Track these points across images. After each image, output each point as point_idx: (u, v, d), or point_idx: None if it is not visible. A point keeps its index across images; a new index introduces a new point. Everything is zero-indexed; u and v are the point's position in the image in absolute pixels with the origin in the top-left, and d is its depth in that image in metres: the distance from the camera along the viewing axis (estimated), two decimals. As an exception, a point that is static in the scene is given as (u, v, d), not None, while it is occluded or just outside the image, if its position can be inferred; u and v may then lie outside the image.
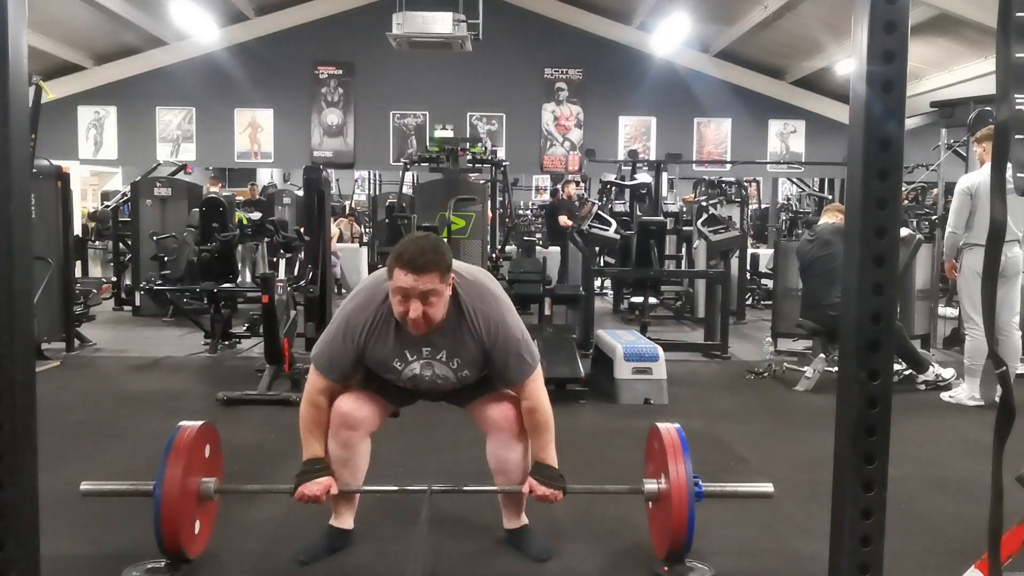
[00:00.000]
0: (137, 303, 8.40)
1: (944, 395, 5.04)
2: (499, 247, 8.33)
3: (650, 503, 2.54)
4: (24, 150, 1.50)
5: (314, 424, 2.41)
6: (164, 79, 11.87)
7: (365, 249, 11.58)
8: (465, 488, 2.54)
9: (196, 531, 2.40)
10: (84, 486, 2.40)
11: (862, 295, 1.47)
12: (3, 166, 1.44)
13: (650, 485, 2.44)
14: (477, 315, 2.31)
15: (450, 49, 8.42)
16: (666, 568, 2.48)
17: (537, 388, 2.40)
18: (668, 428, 2.47)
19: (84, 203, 13.19)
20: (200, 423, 2.43)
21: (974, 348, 4.82)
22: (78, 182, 12.05)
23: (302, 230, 6.14)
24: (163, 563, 2.46)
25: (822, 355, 5.31)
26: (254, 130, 12.03)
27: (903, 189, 8.84)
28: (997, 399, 1.45)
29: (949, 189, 7.91)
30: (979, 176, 4.76)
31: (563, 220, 9.42)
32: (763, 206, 14.21)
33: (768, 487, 2.47)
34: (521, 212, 17.44)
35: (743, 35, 10.97)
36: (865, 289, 1.47)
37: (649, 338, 5.66)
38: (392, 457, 3.40)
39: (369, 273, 10.44)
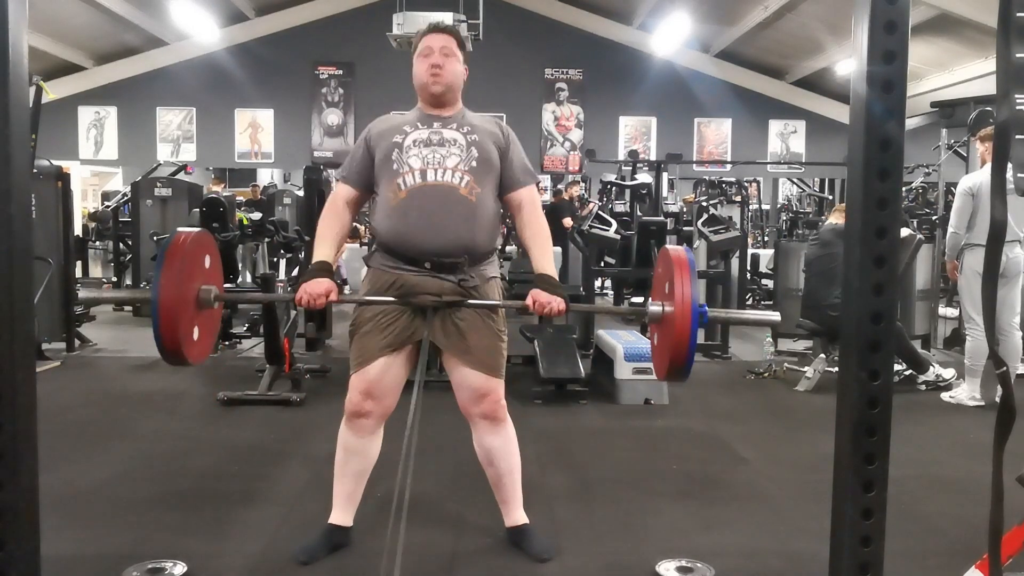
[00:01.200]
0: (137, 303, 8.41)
1: (945, 395, 5.04)
2: (499, 247, 8.32)
3: (655, 329, 2.39)
4: (24, 150, 1.50)
5: (328, 227, 2.46)
6: (164, 79, 11.87)
7: (366, 249, 11.58)
8: (470, 301, 2.39)
9: (195, 336, 2.25)
10: (82, 293, 2.34)
11: (862, 295, 1.47)
12: (3, 166, 1.44)
13: (654, 307, 2.30)
14: (487, 117, 2.57)
15: (450, 49, 8.41)
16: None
17: (535, 199, 2.53)
18: (677, 249, 2.31)
19: (84, 203, 13.18)
20: (197, 229, 2.33)
21: (975, 348, 4.82)
22: (78, 182, 12.04)
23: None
24: (163, 563, 2.46)
25: (822, 355, 5.31)
26: (254, 130, 12.04)
27: (909, 188, 8.85)
28: (997, 399, 1.45)
29: (950, 189, 7.93)
30: (981, 176, 4.76)
31: (567, 222, 9.43)
32: (763, 207, 14.20)
33: (775, 315, 2.40)
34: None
35: (743, 35, 10.98)
36: (865, 289, 1.47)
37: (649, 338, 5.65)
38: (394, 457, 3.40)
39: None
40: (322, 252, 2.41)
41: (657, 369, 2.41)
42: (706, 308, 2.20)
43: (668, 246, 2.39)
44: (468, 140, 2.41)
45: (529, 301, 2.33)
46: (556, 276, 2.42)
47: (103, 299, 2.32)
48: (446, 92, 2.44)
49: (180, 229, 2.28)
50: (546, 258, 2.43)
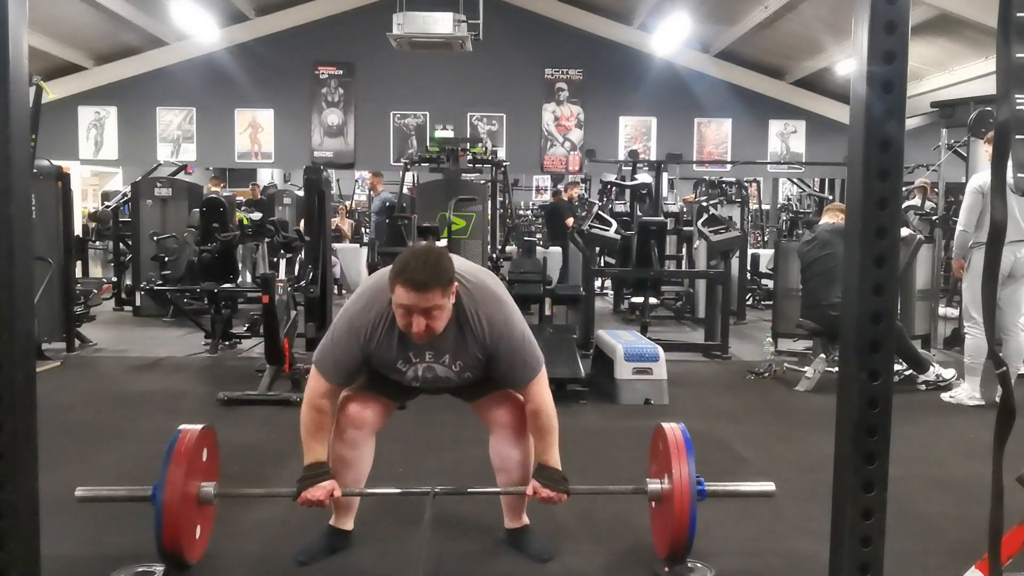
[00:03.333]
0: (137, 303, 8.40)
1: (944, 395, 5.04)
2: (499, 247, 8.33)
3: (653, 503, 2.54)
4: (24, 150, 1.50)
5: (316, 428, 2.37)
6: (164, 79, 11.87)
7: (365, 249, 11.56)
8: (469, 490, 2.54)
9: (197, 536, 2.40)
10: (79, 492, 2.38)
11: (862, 295, 1.47)
12: (3, 166, 1.44)
13: (653, 485, 2.44)
14: (480, 319, 2.31)
15: (450, 49, 8.42)
16: (667, 569, 2.48)
17: (541, 391, 2.40)
18: (673, 428, 2.46)
19: (84, 203, 13.18)
20: (200, 427, 2.41)
21: (974, 346, 4.82)
22: (78, 182, 12.04)
23: (302, 228, 6.13)
24: (155, 567, 2.46)
25: (822, 355, 5.30)
26: (254, 130, 12.04)
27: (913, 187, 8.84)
28: (997, 399, 1.45)
29: (949, 190, 7.94)
30: (990, 175, 4.76)
31: (571, 222, 9.46)
32: (763, 207, 14.20)
33: (770, 486, 2.48)
34: (521, 212, 17.44)
35: (743, 35, 10.98)
36: (865, 289, 1.47)
37: (649, 338, 5.66)
38: (393, 457, 3.40)
39: (368, 273, 10.47)
40: (315, 453, 2.37)
41: (658, 547, 2.51)
42: (704, 485, 2.32)
43: (664, 424, 2.49)
44: (461, 379, 2.42)
45: (529, 491, 2.41)
46: (559, 466, 2.43)
47: (103, 498, 2.37)
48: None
49: (182, 428, 2.37)
50: (550, 452, 2.43)
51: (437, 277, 2.15)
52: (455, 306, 2.28)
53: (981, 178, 4.84)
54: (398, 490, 2.55)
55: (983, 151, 5.21)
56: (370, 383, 2.52)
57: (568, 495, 2.40)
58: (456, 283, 2.26)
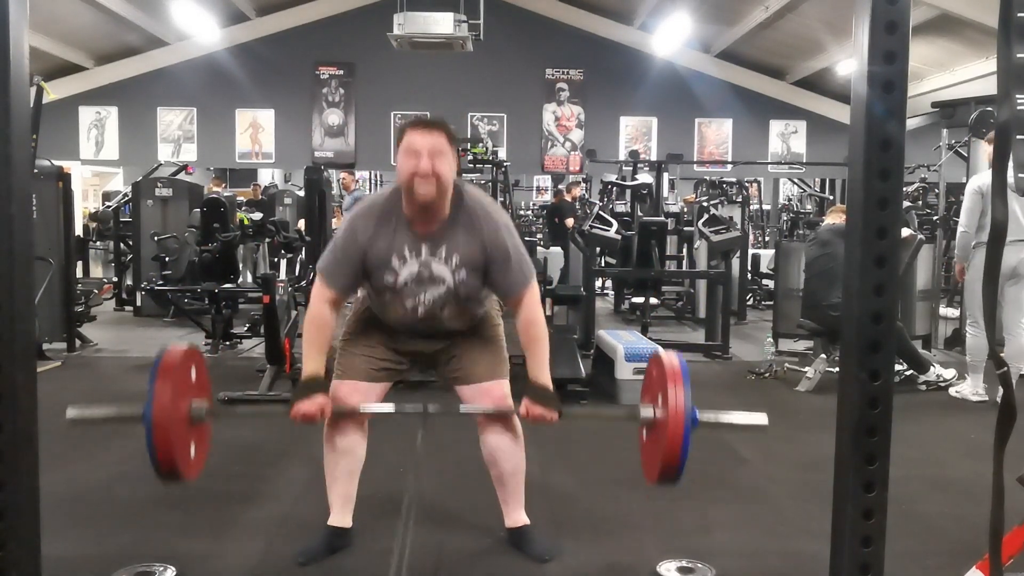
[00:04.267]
0: (138, 303, 8.41)
1: (951, 390, 5.07)
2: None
3: (644, 429, 2.47)
4: (25, 150, 1.50)
5: (316, 337, 2.41)
6: (165, 79, 11.87)
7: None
8: (461, 409, 2.49)
9: (191, 454, 2.29)
10: (70, 413, 2.30)
11: (863, 295, 1.47)
12: (4, 166, 1.44)
13: (646, 410, 2.36)
14: (479, 214, 2.38)
15: (451, 49, 8.42)
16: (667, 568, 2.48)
17: (534, 300, 2.44)
18: (669, 354, 2.40)
19: (85, 203, 13.19)
20: (185, 345, 2.34)
21: (975, 345, 4.84)
22: (79, 182, 12.04)
23: (302, 228, 6.14)
24: (155, 567, 2.45)
25: (823, 355, 5.30)
26: (255, 130, 12.04)
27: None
28: (998, 399, 1.45)
29: (950, 190, 7.93)
30: (990, 176, 4.76)
31: (570, 223, 9.47)
32: (764, 207, 14.20)
33: (763, 419, 2.43)
34: (522, 212, 17.44)
35: (744, 35, 10.97)
36: (866, 289, 1.47)
37: (650, 338, 5.66)
38: (391, 458, 3.40)
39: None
40: (312, 366, 2.38)
41: (647, 472, 2.43)
42: (697, 413, 2.28)
43: (661, 351, 2.43)
44: (456, 278, 2.38)
45: (523, 411, 2.37)
46: (550, 384, 2.39)
47: (94, 418, 2.34)
48: (434, 200, 2.30)
49: (168, 346, 2.30)
50: (542, 367, 2.41)
51: (444, 125, 2.33)
52: (457, 198, 2.36)
53: (980, 179, 4.85)
54: (391, 408, 2.50)
55: (984, 151, 5.20)
56: (362, 334, 2.55)
57: (560, 415, 2.35)
58: (460, 185, 2.39)
